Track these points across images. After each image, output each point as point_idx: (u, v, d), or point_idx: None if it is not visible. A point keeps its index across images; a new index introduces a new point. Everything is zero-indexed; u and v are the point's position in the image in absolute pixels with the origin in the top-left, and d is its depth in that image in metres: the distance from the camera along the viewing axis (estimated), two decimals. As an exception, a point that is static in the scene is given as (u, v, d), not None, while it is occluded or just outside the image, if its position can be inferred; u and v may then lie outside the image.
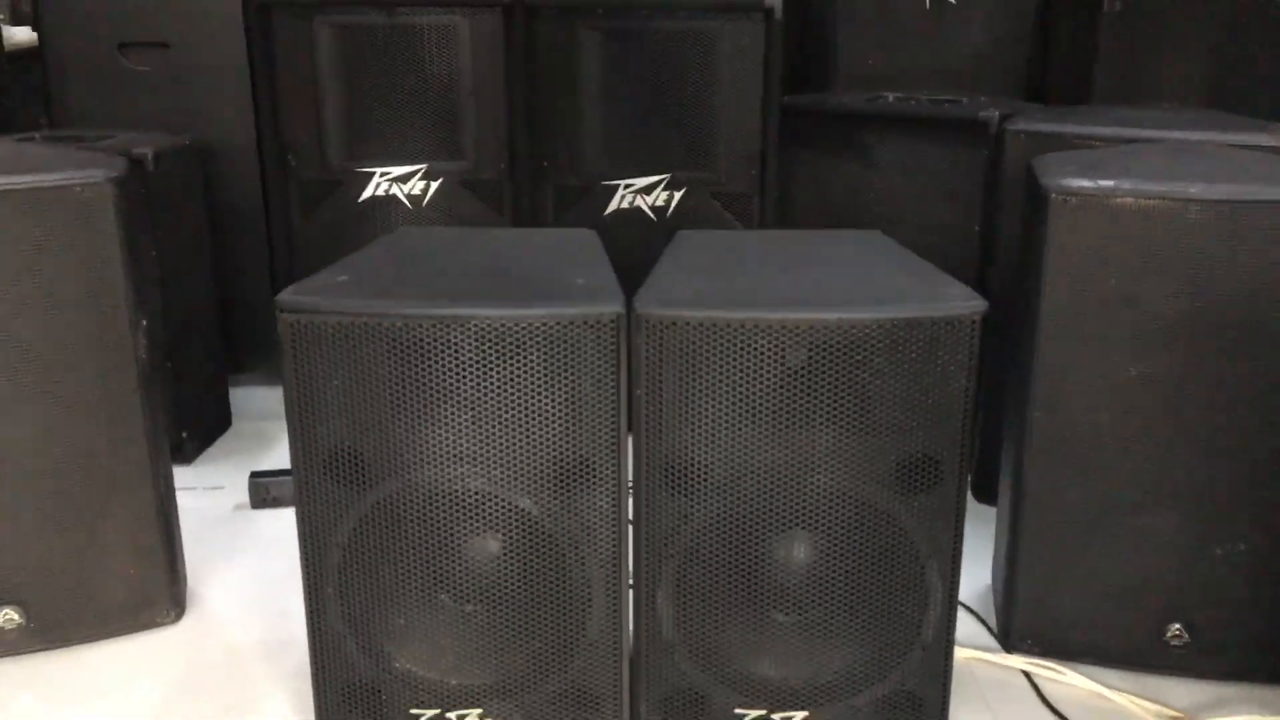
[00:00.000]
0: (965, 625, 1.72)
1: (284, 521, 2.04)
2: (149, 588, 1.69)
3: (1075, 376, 1.49)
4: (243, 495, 2.13)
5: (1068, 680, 1.58)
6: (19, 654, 1.64)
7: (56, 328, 1.53)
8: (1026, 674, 1.60)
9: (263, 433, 2.44)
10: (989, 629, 1.70)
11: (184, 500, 2.01)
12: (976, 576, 1.79)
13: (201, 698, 1.56)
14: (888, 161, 2.16)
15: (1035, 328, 1.49)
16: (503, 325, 1.23)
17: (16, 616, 1.62)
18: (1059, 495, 1.54)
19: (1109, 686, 1.56)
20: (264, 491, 2.08)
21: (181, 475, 2.15)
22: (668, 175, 2.20)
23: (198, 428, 2.31)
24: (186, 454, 2.27)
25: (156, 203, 2.10)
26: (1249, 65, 2.14)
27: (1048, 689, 1.56)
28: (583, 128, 2.22)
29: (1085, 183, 1.43)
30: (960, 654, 1.61)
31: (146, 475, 1.64)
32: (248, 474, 2.13)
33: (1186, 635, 1.56)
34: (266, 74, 2.24)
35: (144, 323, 1.59)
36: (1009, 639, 1.63)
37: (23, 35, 2.84)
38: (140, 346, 1.59)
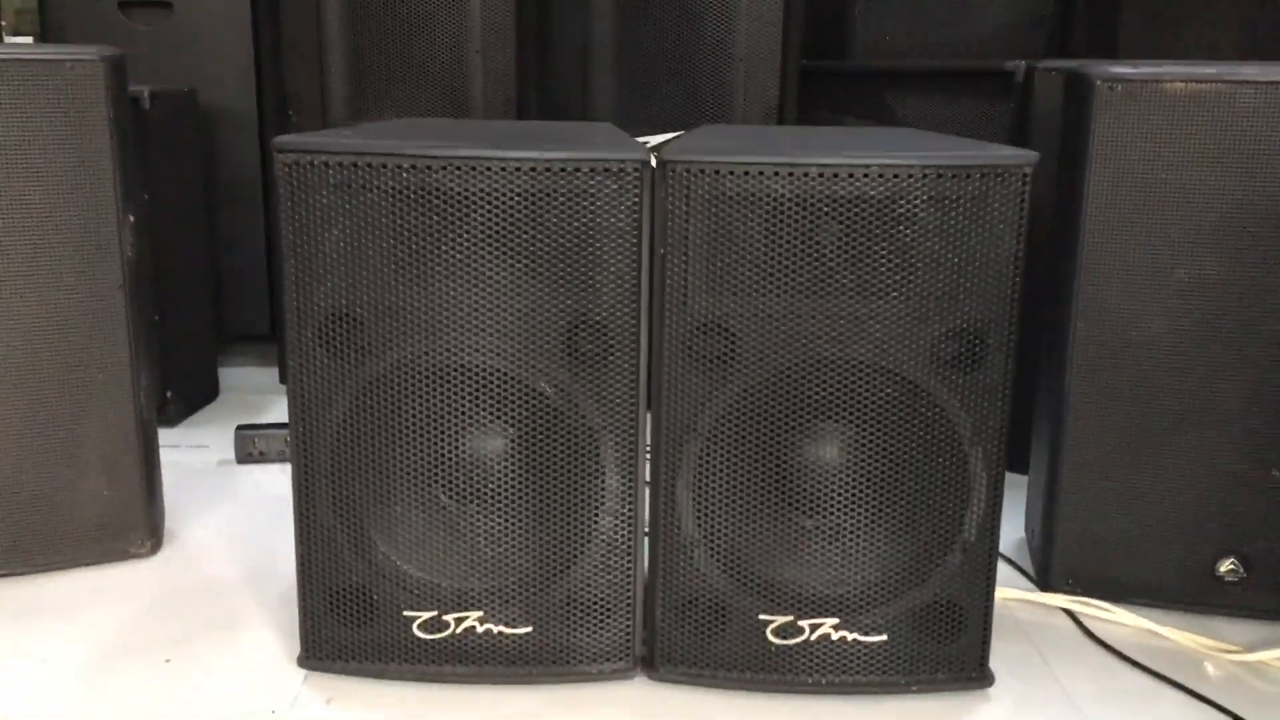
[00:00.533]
0: (1000, 571, 1.60)
1: (270, 475, 1.94)
2: (124, 511, 1.57)
3: (1121, 281, 1.40)
4: (227, 453, 2.02)
5: (1115, 618, 1.46)
6: (-23, 576, 1.51)
7: (39, 215, 1.44)
8: (1070, 612, 1.48)
9: (251, 405, 2.33)
10: (1024, 573, 1.58)
11: (167, 456, 1.91)
12: (1009, 531, 1.68)
13: (178, 618, 1.43)
14: (910, 120, 2.10)
15: (1078, 229, 1.40)
16: (519, 168, 1.14)
17: (-22, 535, 1.50)
18: (1102, 414, 1.44)
19: (1160, 624, 1.44)
20: (250, 445, 1.97)
21: (167, 436, 2.06)
22: (682, 132, 2.12)
23: (184, 391, 2.20)
24: (171, 416, 2.16)
25: (152, 145, 2.03)
26: (1278, 32, 2.09)
27: (1094, 628, 1.44)
28: (595, 85, 2.16)
29: (1131, 69, 1.35)
30: (997, 595, 1.48)
31: (126, 386, 1.53)
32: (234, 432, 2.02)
33: (1242, 569, 1.44)
34: (270, 26, 2.18)
35: (131, 219, 1.50)
36: (1049, 577, 1.52)
37: None
38: (127, 244, 1.50)
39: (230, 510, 1.79)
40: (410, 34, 2.17)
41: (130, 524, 1.58)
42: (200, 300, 2.29)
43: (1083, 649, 1.40)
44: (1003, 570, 1.58)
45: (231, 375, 2.47)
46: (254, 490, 1.88)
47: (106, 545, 1.57)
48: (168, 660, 1.33)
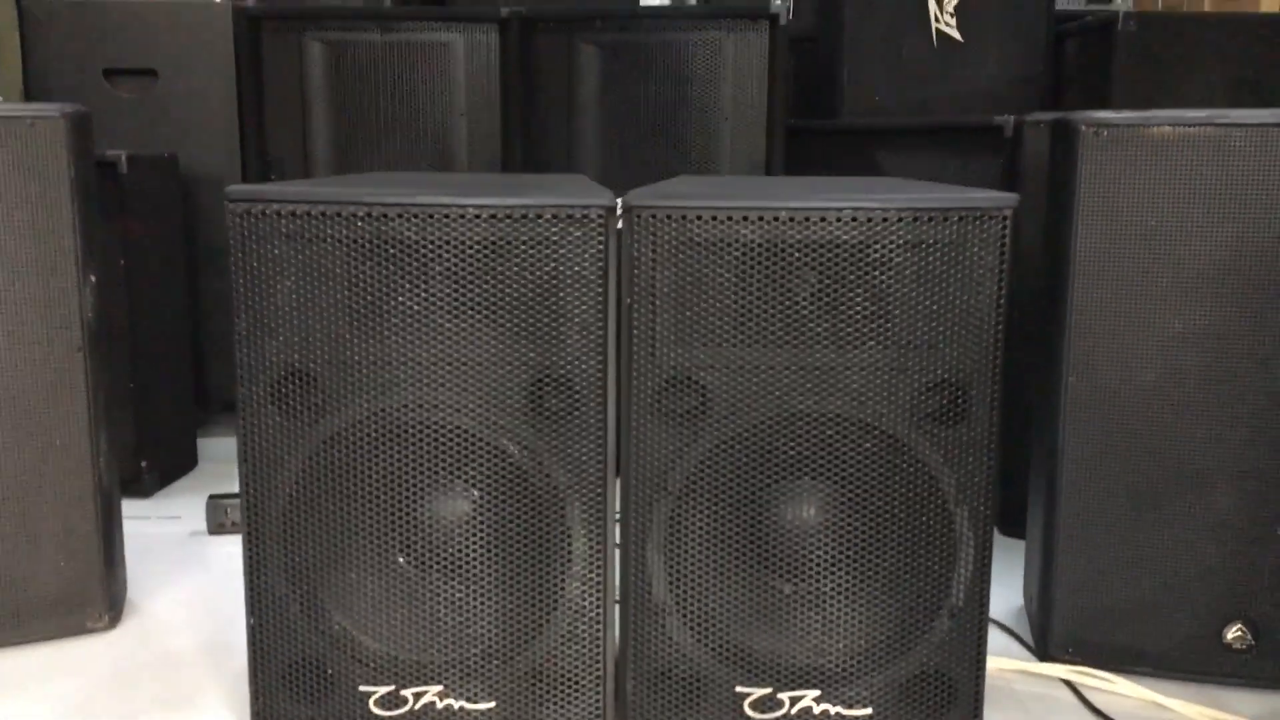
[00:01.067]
0: (996, 640, 1.52)
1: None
2: (82, 585, 1.51)
3: (1113, 333, 1.35)
4: (200, 524, 1.95)
5: (1117, 689, 1.38)
6: (-75, 653, 1.44)
7: (-4, 277, 1.40)
8: (1070, 684, 1.40)
9: (230, 475, 2.26)
10: (1023, 642, 1.50)
11: (136, 528, 1.86)
12: (1007, 599, 1.61)
13: (131, 695, 1.36)
14: (898, 175, 2.07)
15: (1067, 280, 1.35)
16: (478, 215, 1.10)
17: (-74, 609, 1.44)
18: (1099, 473, 1.37)
19: (1165, 695, 1.35)
20: (222, 514, 1.91)
21: (139, 507, 2.01)
22: (667, 192, 2.09)
23: (159, 461, 2.14)
24: (145, 486, 2.10)
25: (129, 208, 2.00)
26: (1266, 86, 2.06)
27: (1096, 700, 1.36)
28: (581, 145, 2.13)
29: (1117, 115, 1.31)
30: (992, 664, 1.41)
31: (85, 454, 1.48)
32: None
33: (1249, 636, 1.36)
34: (253, 90, 2.17)
35: (93, 279, 1.46)
36: (1048, 647, 1.44)
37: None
38: (87, 306, 1.46)
39: (197, 582, 1.72)
40: (394, 97, 2.15)
41: (88, 598, 1.51)
42: (179, 368, 2.25)
43: (1084, 723, 1.32)
44: (1000, 640, 1.51)
45: (212, 446, 2.41)
46: (224, 561, 1.81)
47: (63, 619, 1.51)
48: (114, 740, 1.26)
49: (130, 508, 1.98)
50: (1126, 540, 1.38)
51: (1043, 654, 1.44)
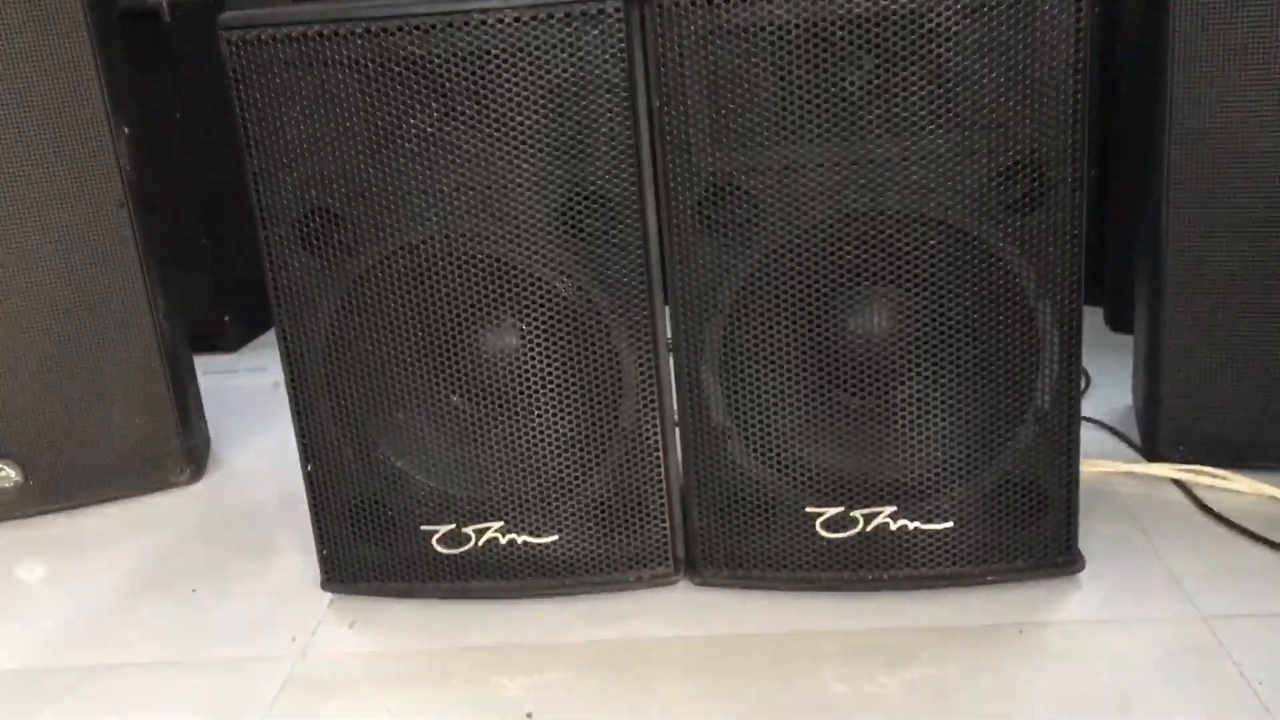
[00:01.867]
0: (1100, 443, 1.43)
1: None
2: (160, 440, 1.52)
3: (1222, 97, 1.19)
4: (284, 373, 1.95)
5: (1233, 486, 1.27)
6: (20, 516, 1.48)
7: (26, 137, 1.36)
8: (1180, 483, 1.30)
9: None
10: (1129, 442, 1.40)
11: (222, 381, 1.87)
12: (1113, 399, 1.50)
13: (211, 547, 1.37)
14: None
15: (1166, 33, 1.19)
16: (484, 21, 1.00)
17: (14, 474, 1.46)
18: (1207, 254, 1.24)
19: (1286, 490, 1.25)
20: (303, 363, 1.89)
21: (224, 361, 2.02)
22: None
23: (242, 314, 2.14)
24: (230, 340, 2.11)
25: (177, 60, 1.94)
26: None
27: (1208, 499, 1.26)
28: None
29: None
30: (1094, 468, 1.32)
31: (144, 311, 1.46)
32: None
33: (1385, 422, 1.23)
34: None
35: (126, 131, 1.41)
36: (1156, 445, 1.33)
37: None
38: (124, 158, 1.41)
39: (280, 432, 1.72)
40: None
41: (167, 452, 1.53)
42: (252, 224, 2.22)
43: (1194, 524, 1.22)
44: (1106, 441, 1.42)
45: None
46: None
47: (146, 475, 1.52)
48: (193, 590, 1.27)
49: (215, 362, 2.01)
50: (1238, 326, 1.25)
51: (1150, 454, 1.34)
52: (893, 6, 0.96)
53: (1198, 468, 1.30)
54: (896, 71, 0.99)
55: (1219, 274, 1.24)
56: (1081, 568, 1.12)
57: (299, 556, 1.32)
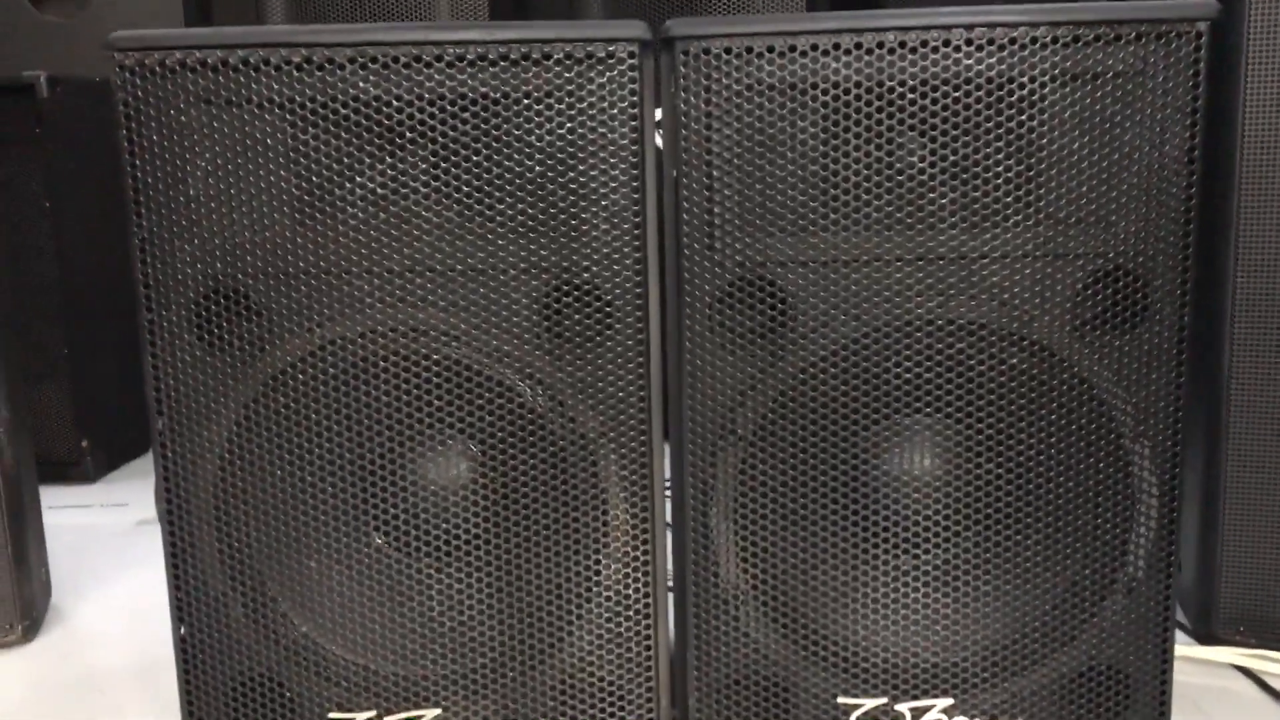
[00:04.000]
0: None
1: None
2: (-17, 590, 1.19)
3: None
4: (151, 510, 1.64)
5: (1312, 676, 1.07)
6: None
7: None
8: (1248, 671, 1.09)
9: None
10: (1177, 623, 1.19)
11: (74, 518, 1.56)
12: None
13: (35, 729, 1.05)
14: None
15: (1234, 138, 1.03)
16: (462, 57, 0.78)
17: None
18: (1273, 402, 1.06)
19: (1378, 681, 1.05)
20: (175, 498, 1.59)
21: (79, 494, 1.70)
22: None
23: (104, 439, 1.82)
24: (87, 470, 1.79)
25: (51, 143, 1.67)
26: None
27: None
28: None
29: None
30: (1144, 648, 1.10)
31: (-22, 423, 1.16)
32: (158, 483, 1.64)
33: None
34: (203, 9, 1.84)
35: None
36: (1212, 625, 1.13)
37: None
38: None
39: (139, 581, 1.41)
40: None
41: (-7, 605, 1.20)
42: (124, 333, 1.92)
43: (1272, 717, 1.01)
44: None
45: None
46: (175, 554, 1.49)
47: (-38, 633, 1.20)
48: (9, 792, 0.95)
49: (68, 495, 1.69)
50: (1316, 485, 1.07)
51: (1205, 635, 1.13)
52: (975, 67, 0.78)
53: (1268, 653, 1.09)
54: (977, 149, 0.79)
55: (1292, 423, 1.06)
56: (1174, 780, 0.89)
57: (156, 746, 1.01)
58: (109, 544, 1.54)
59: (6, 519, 1.20)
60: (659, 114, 0.82)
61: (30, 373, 1.68)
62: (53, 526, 1.32)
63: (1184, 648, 1.13)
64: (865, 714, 0.87)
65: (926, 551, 0.86)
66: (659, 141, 0.82)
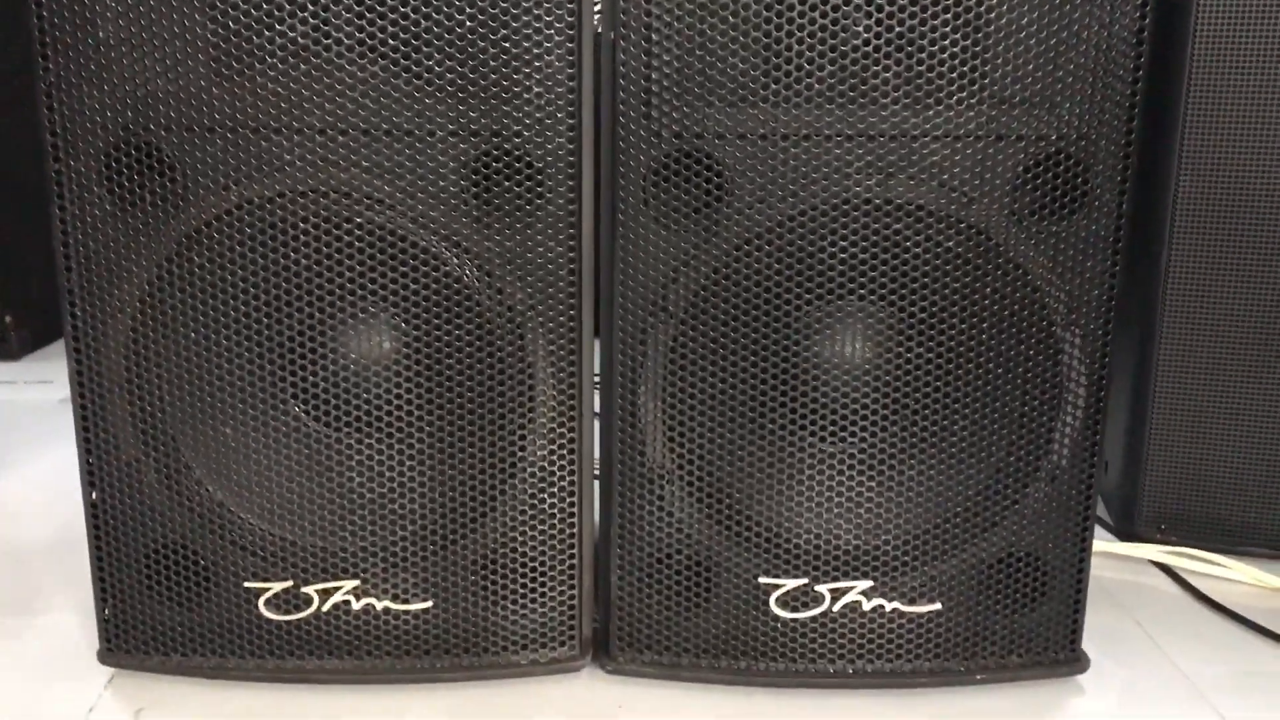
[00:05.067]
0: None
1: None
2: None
3: (1244, 115, 1.02)
4: (76, 388, 1.60)
5: (1231, 575, 1.09)
6: None
7: None
8: (1167, 568, 1.11)
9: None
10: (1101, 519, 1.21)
11: (1, 394, 1.51)
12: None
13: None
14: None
15: (1186, 37, 1.02)
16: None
17: None
18: (1210, 303, 1.07)
19: (1290, 580, 1.07)
20: (101, 376, 1.55)
21: (6, 371, 1.66)
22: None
23: (29, 317, 1.77)
24: (11, 346, 1.75)
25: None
26: None
27: (1203, 587, 1.07)
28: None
29: None
30: (1066, 543, 1.11)
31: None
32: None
33: (1396, 506, 1.07)
34: None
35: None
36: (1134, 523, 1.14)
37: None
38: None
39: (61, 457, 1.38)
40: None
41: (-97, 472, 1.17)
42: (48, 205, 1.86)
43: (1194, 617, 1.03)
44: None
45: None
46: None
47: None
48: (-82, 657, 0.93)
49: (-8, 371, 1.65)
50: (1243, 391, 1.08)
51: (1127, 532, 1.15)
52: (926, -64, 0.75)
53: (1186, 550, 1.11)
54: (923, 20, 0.77)
55: (1223, 332, 1.07)
56: (1085, 667, 0.91)
57: (72, 616, 0.99)
58: (32, 420, 1.51)
59: (-82, 386, 1.16)
60: (598, -25, 0.79)
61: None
62: (-30, 399, 1.28)
63: (1106, 544, 1.14)
64: (785, 594, 0.87)
65: (853, 436, 0.86)
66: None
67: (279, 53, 0.77)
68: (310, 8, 0.77)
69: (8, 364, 1.74)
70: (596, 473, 0.88)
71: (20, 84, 1.72)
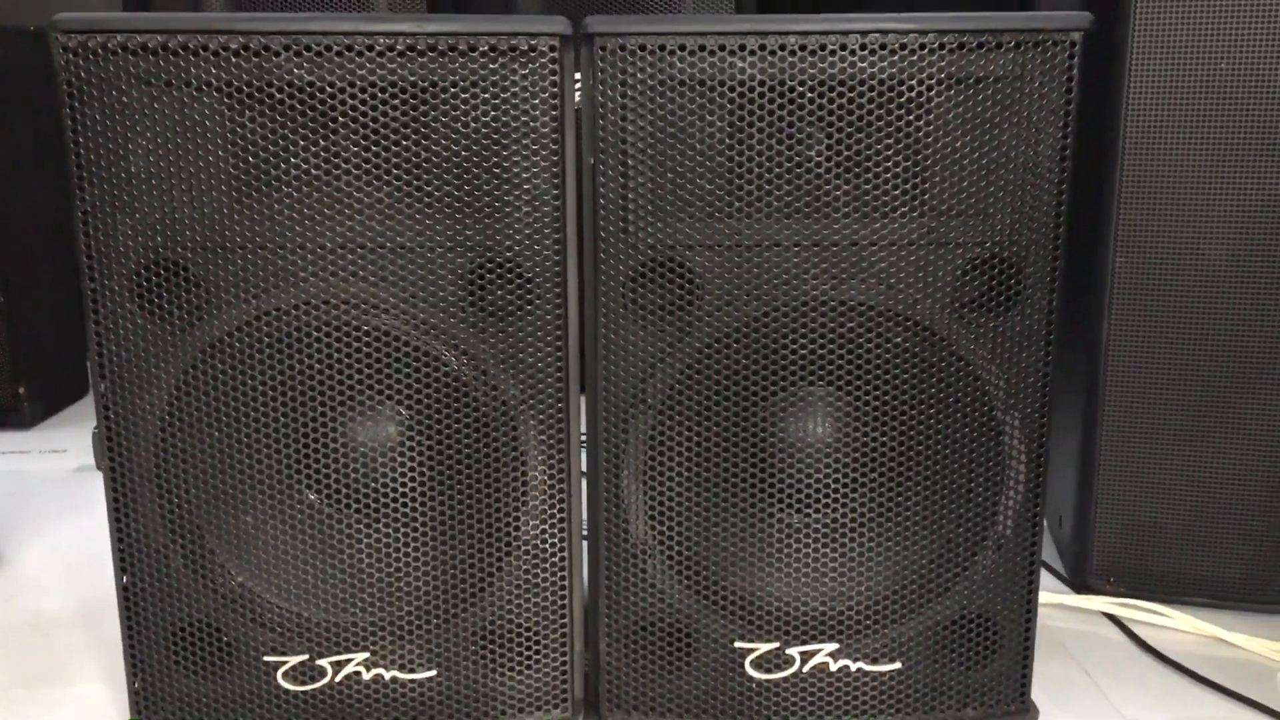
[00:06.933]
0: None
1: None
2: (-75, 535, 1.24)
3: (1171, 200, 1.12)
4: (88, 457, 1.67)
5: (1172, 624, 1.17)
6: None
7: None
8: (1115, 619, 1.20)
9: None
10: (1052, 571, 1.29)
11: (12, 464, 1.59)
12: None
13: (-20, 671, 1.11)
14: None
15: (1116, 134, 1.12)
16: (391, 48, 0.83)
17: None
18: (1149, 369, 1.16)
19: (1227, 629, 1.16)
20: (113, 446, 1.63)
21: (16, 440, 1.73)
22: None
23: (41, 386, 1.85)
24: (24, 417, 1.82)
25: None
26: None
27: (1147, 636, 1.16)
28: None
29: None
30: (1022, 596, 1.20)
31: (-79, 375, 1.20)
32: (95, 430, 1.68)
33: (1324, 558, 1.16)
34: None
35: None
36: (1085, 575, 1.23)
37: None
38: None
39: (79, 527, 1.46)
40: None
41: (-65, 549, 1.25)
42: (61, 279, 1.95)
43: (1138, 665, 1.12)
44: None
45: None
46: (114, 501, 1.54)
47: (-95, 577, 1.24)
48: (-41, 729, 1.01)
49: (5, 441, 1.73)
50: (1179, 451, 1.17)
51: (1079, 584, 1.24)
52: (869, 70, 0.84)
53: (1133, 602, 1.20)
54: (869, 144, 0.86)
55: (1161, 396, 1.16)
56: (1035, 717, 0.99)
57: (101, 686, 1.07)
58: (49, 491, 1.58)
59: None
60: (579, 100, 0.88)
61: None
62: (-8, 474, 1.36)
63: (1060, 595, 1.23)
64: (759, 657, 0.96)
65: (817, 510, 0.94)
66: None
67: (293, 180, 0.86)
68: (322, 141, 0.86)
69: (21, 433, 1.82)
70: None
71: (35, 173, 1.81)
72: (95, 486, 1.59)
